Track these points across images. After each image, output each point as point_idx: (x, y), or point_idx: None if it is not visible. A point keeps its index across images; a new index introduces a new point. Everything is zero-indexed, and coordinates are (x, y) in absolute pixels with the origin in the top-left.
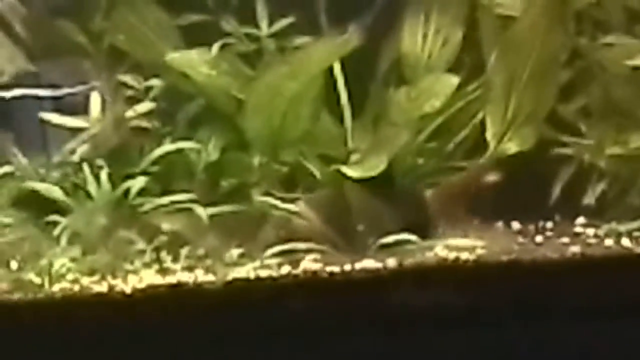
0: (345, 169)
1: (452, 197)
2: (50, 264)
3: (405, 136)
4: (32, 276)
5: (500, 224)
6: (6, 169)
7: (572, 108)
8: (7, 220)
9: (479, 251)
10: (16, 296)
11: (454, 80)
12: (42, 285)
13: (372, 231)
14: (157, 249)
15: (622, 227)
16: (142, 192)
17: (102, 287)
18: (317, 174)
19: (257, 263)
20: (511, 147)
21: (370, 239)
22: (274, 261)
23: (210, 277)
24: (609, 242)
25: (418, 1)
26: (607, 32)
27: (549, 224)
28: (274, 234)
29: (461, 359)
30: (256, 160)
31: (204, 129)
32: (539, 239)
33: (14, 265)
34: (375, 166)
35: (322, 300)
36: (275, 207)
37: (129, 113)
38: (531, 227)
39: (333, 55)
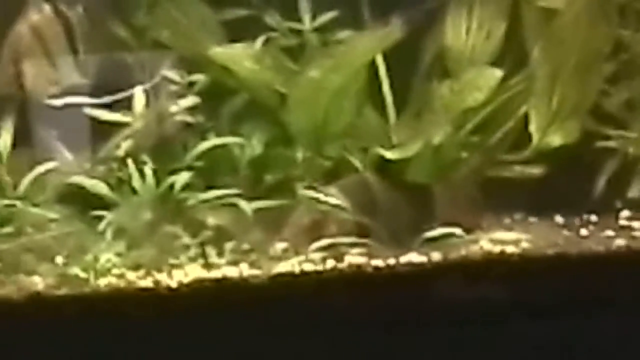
0: (382, 151)
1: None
2: (96, 259)
3: (443, 122)
4: (77, 271)
5: (544, 217)
6: (51, 164)
7: (616, 100)
8: (52, 215)
9: (524, 244)
10: (62, 291)
11: (498, 73)
12: (87, 280)
13: (417, 225)
14: (202, 244)
15: None
16: (186, 187)
17: (148, 282)
18: (360, 167)
19: (302, 257)
20: (555, 140)
21: (415, 232)
22: (318, 255)
23: (255, 272)
24: None
25: None
26: None
27: (594, 217)
28: (318, 228)
29: (507, 353)
30: (300, 155)
31: (247, 124)
32: (583, 232)
33: (59, 260)
34: (411, 148)
35: (367, 295)
36: (319, 200)
37: (173, 108)
38: (576, 221)
39: (376, 48)
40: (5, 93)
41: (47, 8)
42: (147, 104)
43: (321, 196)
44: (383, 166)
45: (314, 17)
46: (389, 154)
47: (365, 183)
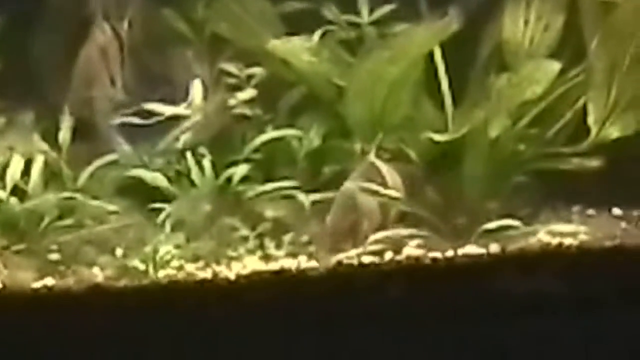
0: (432, 135)
1: None
2: (155, 251)
3: (500, 112)
4: (137, 263)
5: (602, 209)
6: (111, 157)
7: None
8: (112, 207)
9: (582, 237)
10: (122, 282)
11: (556, 66)
12: (146, 272)
13: (475, 217)
14: (260, 236)
15: None
16: (244, 180)
17: (206, 274)
18: (416, 158)
19: (360, 249)
20: (613, 132)
21: (473, 224)
22: (376, 247)
23: (314, 264)
24: None
25: None
26: None
27: None
28: (376, 220)
29: (564, 345)
30: (357, 147)
31: (305, 116)
32: None
33: (119, 252)
34: (459, 130)
35: (425, 287)
36: (377, 193)
37: (231, 101)
38: (634, 213)
39: (433, 40)
40: (77, 116)
41: (107, 28)
42: (206, 97)
43: (380, 189)
44: (440, 158)
45: (371, 10)
46: (438, 137)
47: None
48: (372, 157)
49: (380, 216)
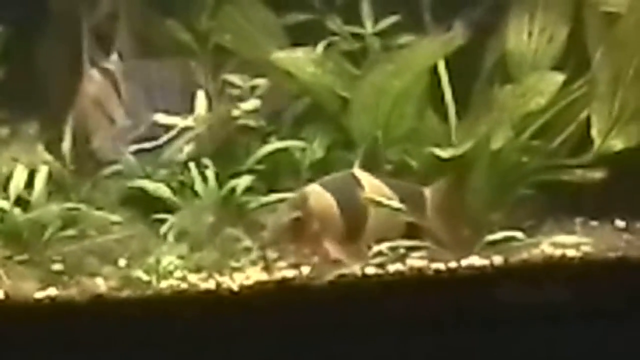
0: (436, 150)
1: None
2: (158, 261)
3: (503, 124)
4: (140, 273)
5: (605, 221)
6: (115, 167)
7: None
8: (115, 218)
9: (585, 248)
10: (125, 293)
11: (559, 77)
12: (149, 283)
13: (478, 228)
14: (263, 247)
15: None
16: (248, 191)
17: (209, 285)
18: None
19: (363, 261)
20: (617, 144)
21: (476, 236)
22: (379, 258)
23: (316, 275)
24: None
25: None
26: None
27: None
28: (379, 231)
29: (568, 356)
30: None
31: (309, 128)
32: None
33: (122, 262)
34: (463, 143)
35: (428, 298)
36: (380, 204)
37: (235, 112)
38: (637, 224)
39: (438, 53)
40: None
41: (96, 74)
42: (210, 108)
43: (383, 200)
44: (443, 170)
45: (375, 22)
46: (442, 153)
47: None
48: (355, 168)
49: (343, 223)
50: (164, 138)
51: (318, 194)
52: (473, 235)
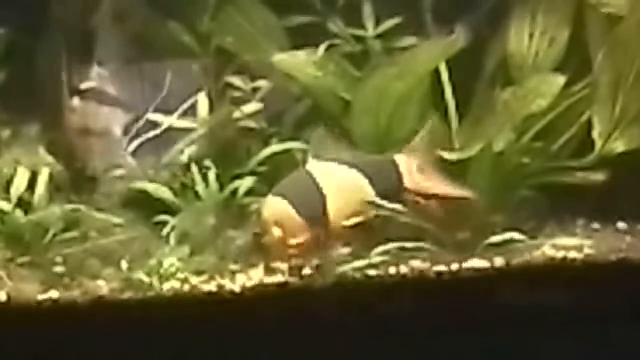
0: (443, 153)
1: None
2: (160, 263)
3: (505, 126)
4: (141, 275)
5: (607, 223)
6: (116, 170)
7: None
8: (117, 220)
9: (587, 250)
10: (126, 295)
11: (561, 79)
12: (151, 285)
13: (480, 230)
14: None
15: None
16: (249, 192)
17: (211, 286)
18: None
19: (365, 262)
20: (618, 146)
21: (478, 237)
22: (381, 260)
23: (317, 276)
24: None
25: (525, 1)
26: None
27: None
28: (380, 233)
29: (570, 358)
30: None
31: (310, 129)
32: None
33: (123, 264)
34: (470, 149)
35: (429, 300)
36: (382, 206)
37: (236, 114)
38: (638, 227)
39: (440, 57)
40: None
41: (77, 102)
42: (211, 110)
43: (385, 203)
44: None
45: (377, 24)
46: (448, 155)
47: None
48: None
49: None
50: (164, 126)
51: (268, 203)
52: (475, 237)
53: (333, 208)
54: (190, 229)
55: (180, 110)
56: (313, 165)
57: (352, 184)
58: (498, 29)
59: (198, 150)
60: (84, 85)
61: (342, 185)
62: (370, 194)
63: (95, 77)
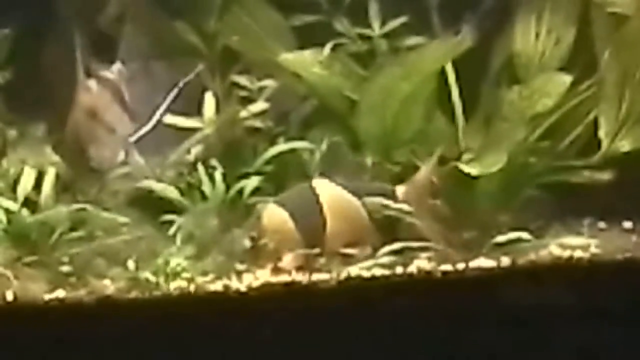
0: (463, 167)
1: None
2: (166, 263)
3: (521, 133)
4: (148, 275)
5: (613, 222)
6: (123, 169)
7: None
8: (123, 219)
9: (593, 250)
10: (133, 294)
11: (567, 79)
12: (157, 284)
13: (486, 230)
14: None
15: None
16: (255, 192)
17: (217, 286)
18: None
19: (371, 262)
20: (624, 145)
21: (484, 237)
22: (387, 260)
23: (325, 276)
24: None
25: (531, 0)
26: None
27: None
28: (387, 233)
29: (576, 357)
30: (369, 160)
31: (316, 129)
32: None
33: (130, 264)
34: (494, 163)
35: (436, 299)
36: (388, 207)
37: (243, 113)
38: None
39: (446, 57)
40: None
41: (93, 84)
42: (217, 110)
43: (390, 203)
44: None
45: (383, 23)
46: (470, 169)
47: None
48: (315, 178)
49: (300, 235)
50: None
51: (270, 211)
52: (481, 236)
53: (331, 231)
54: (196, 228)
55: (166, 104)
56: (320, 184)
57: (354, 213)
58: (504, 28)
59: (205, 149)
60: (103, 73)
61: (345, 212)
62: (370, 225)
63: (116, 72)
